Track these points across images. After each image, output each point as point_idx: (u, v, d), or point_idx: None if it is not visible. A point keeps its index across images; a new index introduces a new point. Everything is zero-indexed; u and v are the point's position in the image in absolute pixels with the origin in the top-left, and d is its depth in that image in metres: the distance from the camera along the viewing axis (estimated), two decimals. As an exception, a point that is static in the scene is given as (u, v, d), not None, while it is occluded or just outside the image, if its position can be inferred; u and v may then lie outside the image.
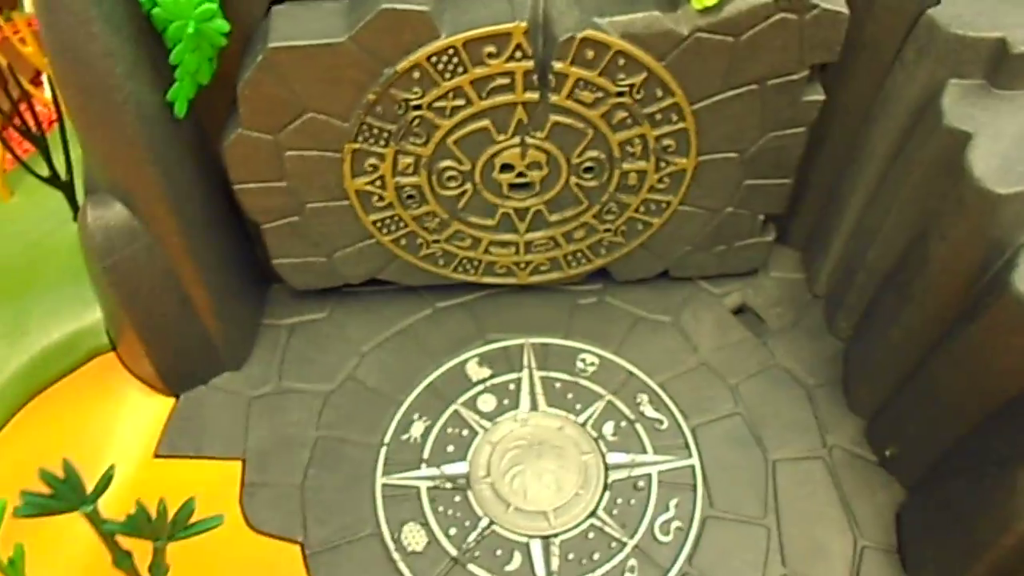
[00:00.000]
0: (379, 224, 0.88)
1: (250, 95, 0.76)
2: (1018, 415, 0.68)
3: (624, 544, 0.81)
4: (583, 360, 0.94)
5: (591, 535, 0.82)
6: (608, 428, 0.88)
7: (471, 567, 0.80)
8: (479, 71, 0.75)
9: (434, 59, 0.73)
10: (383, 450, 0.88)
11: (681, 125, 0.80)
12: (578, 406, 0.90)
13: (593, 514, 0.83)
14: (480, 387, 0.92)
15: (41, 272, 0.94)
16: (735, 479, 0.85)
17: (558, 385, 0.92)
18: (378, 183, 0.84)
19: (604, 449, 0.87)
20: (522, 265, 0.94)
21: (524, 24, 0.72)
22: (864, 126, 0.85)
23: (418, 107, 0.77)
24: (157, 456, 0.88)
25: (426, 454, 0.87)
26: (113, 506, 0.57)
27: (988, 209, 0.69)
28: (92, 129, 0.74)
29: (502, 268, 0.94)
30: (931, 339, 0.78)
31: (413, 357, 0.94)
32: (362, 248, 0.91)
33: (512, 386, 0.92)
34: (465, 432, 0.89)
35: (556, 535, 0.82)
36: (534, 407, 0.90)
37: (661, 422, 0.89)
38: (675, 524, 0.82)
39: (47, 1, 0.67)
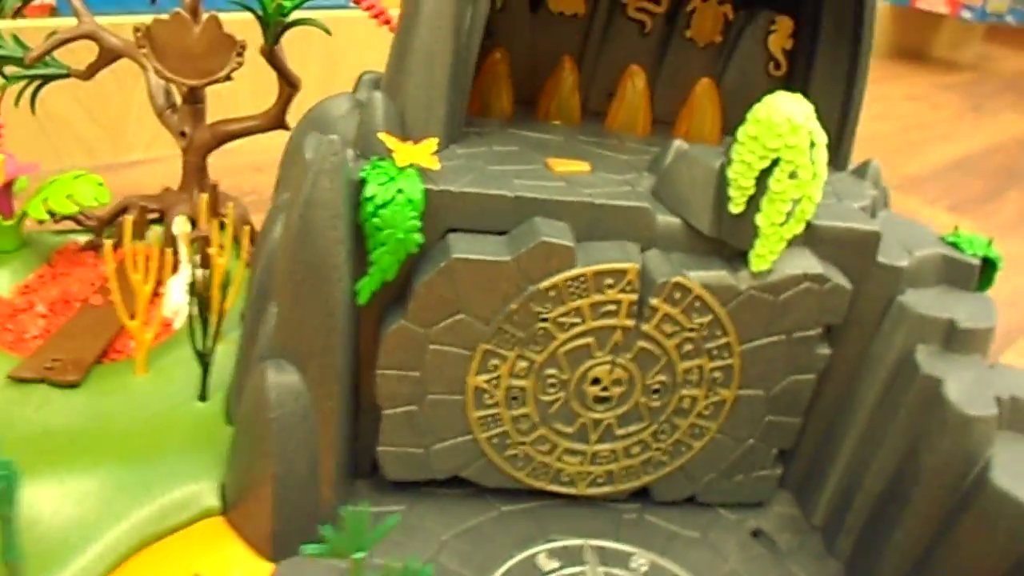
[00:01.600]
0: (481, 421, 1.05)
1: (424, 293, 0.97)
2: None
3: None
4: (635, 561, 1.08)
5: None
6: (667, 615, 1.01)
7: None
8: (597, 297, 1.00)
9: (569, 283, 0.99)
10: (472, 622, 0.96)
11: (730, 361, 1.07)
12: (638, 596, 1.03)
13: None
14: None
15: (165, 440, 1.04)
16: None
17: (618, 578, 1.05)
18: (494, 382, 1.03)
19: (667, 631, 0.99)
20: (583, 476, 1.12)
21: (638, 266, 0.99)
22: (853, 383, 1.14)
23: (545, 319, 1.00)
24: (259, 612, 0.93)
25: (512, 627, 0.96)
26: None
27: (963, 426, 0.97)
28: (302, 300, 0.93)
29: (567, 477, 1.11)
30: (929, 536, 0.99)
31: (488, 548, 1.06)
32: (458, 443, 1.07)
33: (579, 576, 1.05)
34: (544, 610, 0.99)
35: None
36: (601, 594, 1.02)
37: (711, 614, 1.02)
38: None
39: (310, 198, 0.90)
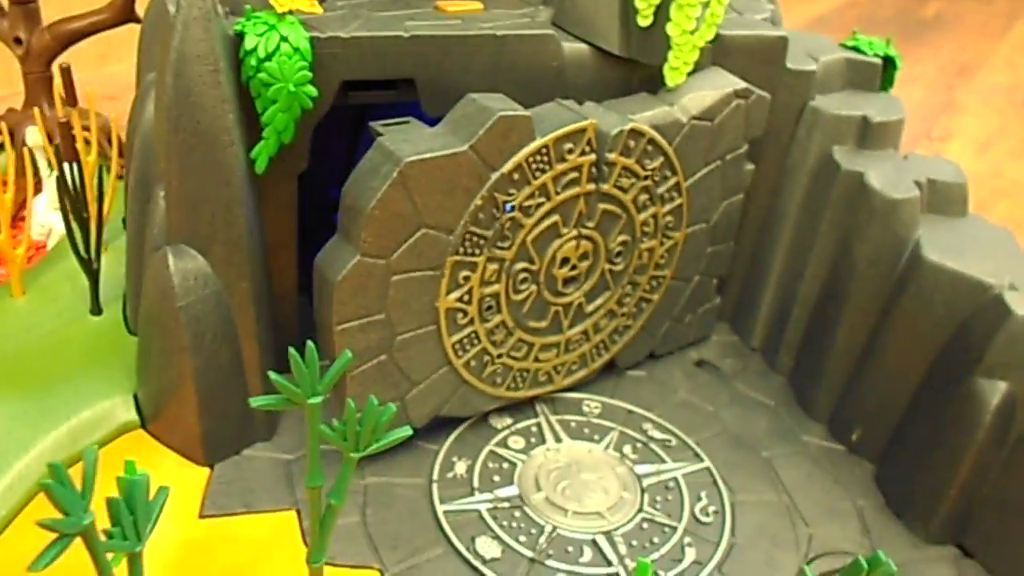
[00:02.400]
0: (457, 345, 0.93)
1: (380, 215, 0.81)
2: (962, 344, 0.90)
3: (675, 528, 0.90)
4: (587, 405, 1.06)
5: (645, 526, 0.90)
6: (628, 449, 0.99)
7: (549, 563, 0.84)
8: (560, 167, 0.89)
9: (531, 159, 0.87)
10: (434, 486, 0.92)
11: (679, 201, 1.02)
12: (596, 436, 1.01)
13: (640, 510, 0.91)
14: (506, 431, 1.00)
15: (59, 360, 0.94)
16: (745, 473, 0.98)
17: (573, 424, 1.02)
18: (466, 297, 0.90)
19: (631, 464, 0.97)
20: (560, 368, 1.04)
21: (595, 122, 0.90)
22: (774, 197, 1.13)
23: (511, 208, 0.88)
24: (203, 517, 0.86)
25: (476, 484, 0.92)
26: (164, 569, 0.59)
27: (891, 210, 0.97)
28: (192, 173, 0.83)
29: (544, 376, 1.03)
30: (869, 327, 1.00)
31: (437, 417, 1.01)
32: (435, 380, 0.94)
33: (535, 428, 1.01)
34: (505, 465, 0.95)
35: (616, 529, 0.89)
36: (558, 440, 0.99)
37: (669, 441, 1.01)
38: (711, 508, 0.92)
39: (181, 51, 0.79)
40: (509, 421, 1.02)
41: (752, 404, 1.09)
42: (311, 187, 1.37)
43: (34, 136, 1.17)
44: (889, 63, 1.17)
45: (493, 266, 0.90)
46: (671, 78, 0.98)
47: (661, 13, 0.94)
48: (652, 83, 1.01)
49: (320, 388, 0.59)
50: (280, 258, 1.00)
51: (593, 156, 0.92)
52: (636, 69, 1.01)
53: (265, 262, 0.96)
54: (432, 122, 0.92)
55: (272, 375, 0.59)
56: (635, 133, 0.93)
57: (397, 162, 0.81)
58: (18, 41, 1.28)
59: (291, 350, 0.57)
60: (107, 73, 1.94)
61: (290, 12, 0.86)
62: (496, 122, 0.84)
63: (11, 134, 1.30)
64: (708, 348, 1.19)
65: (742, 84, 1.01)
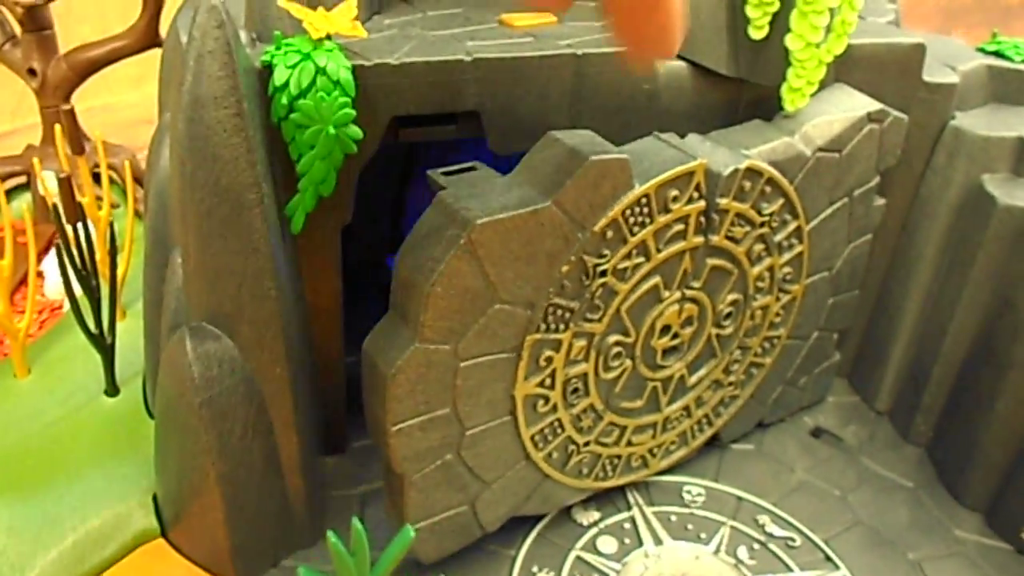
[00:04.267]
0: (537, 437, 0.77)
1: (443, 292, 0.64)
2: None
3: (814, 664, 0.72)
4: (688, 492, 0.88)
5: (775, 661, 0.72)
6: (743, 552, 0.82)
7: None
8: (662, 219, 0.73)
9: (627, 212, 0.71)
10: (512, 608, 0.76)
11: (799, 249, 0.83)
12: (702, 534, 0.83)
13: (767, 638, 0.74)
14: (594, 529, 0.83)
15: (66, 455, 0.79)
16: (891, 583, 0.80)
17: (674, 518, 0.85)
18: (548, 381, 0.74)
19: (748, 573, 0.79)
20: (654, 451, 0.87)
21: (706, 162, 0.73)
22: (906, 236, 0.94)
23: (603, 273, 0.72)
24: (235, 653, 0.71)
25: (562, 604, 0.76)
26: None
27: (1073, 261, 0.78)
28: (213, 238, 0.68)
29: (637, 460, 0.86)
30: (1042, 403, 0.81)
31: (509, 511, 0.85)
32: (510, 478, 0.77)
33: (628, 524, 0.84)
34: (596, 576, 0.79)
35: (739, 666, 0.72)
36: (658, 541, 0.82)
37: (792, 540, 0.83)
38: (855, 635, 0.75)
39: (195, 94, 0.64)
40: (596, 516, 0.85)
41: (886, 486, 0.91)
42: (354, 226, 1.22)
43: (52, 180, 1.04)
44: (1044, 70, 0.97)
45: (580, 342, 0.74)
46: (791, 101, 0.80)
47: (779, 23, 0.76)
48: (764, 106, 0.84)
49: None
50: (323, 324, 0.85)
51: (702, 203, 0.74)
52: (745, 90, 0.83)
53: (305, 333, 0.81)
54: (501, 163, 0.76)
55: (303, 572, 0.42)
56: (751, 172, 0.76)
57: (464, 225, 0.64)
58: (32, 72, 1.15)
59: (330, 535, 0.41)
60: (144, 94, 1.81)
61: (328, 37, 0.71)
62: (586, 168, 0.67)
63: (28, 177, 1.18)
64: (825, 412, 1.01)
65: (876, 105, 0.83)
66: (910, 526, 0.86)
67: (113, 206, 1.04)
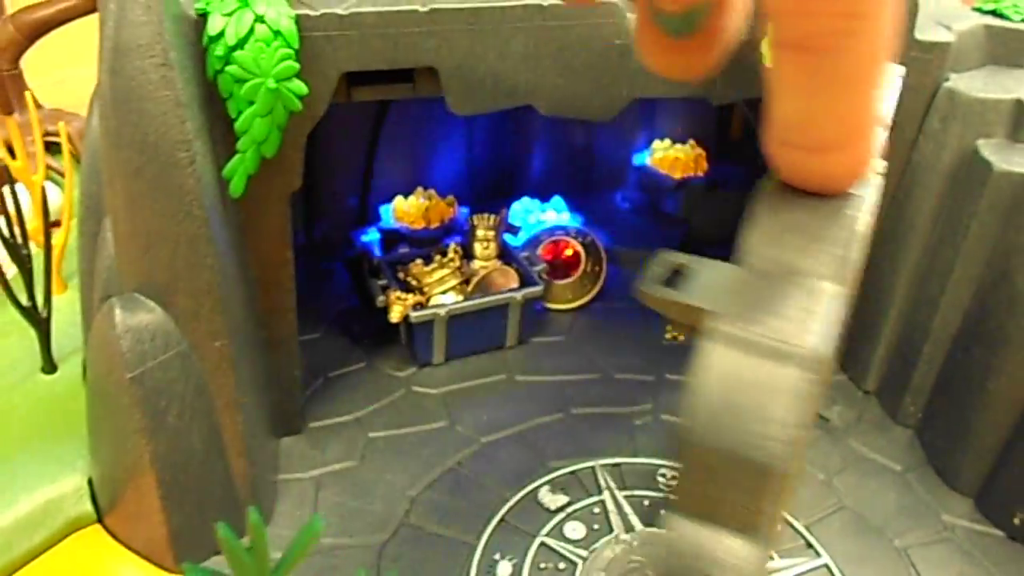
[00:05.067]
0: None
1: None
2: None
3: (791, 658, 0.67)
4: (663, 475, 0.83)
5: (749, 655, 0.68)
6: (719, 539, 0.77)
7: None
8: None
9: None
10: (470, 597, 0.71)
11: None
12: (677, 521, 0.78)
13: (742, 631, 0.69)
14: (562, 515, 0.79)
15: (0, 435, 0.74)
16: (875, 571, 0.75)
17: (647, 503, 0.80)
18: None
19: (724, 560, 0.75)
20: None
21: None
22: (895, 206, 0.89)
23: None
24: (170, 647, 0.66)
25: (524, 594, 0.71)
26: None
27: (1073, 229, 0.72)
28: (142, 201, 0.62)
29: None
30: (1037, 380, 0.76)
31: (472, 495, 0.80)
32: None
33: (597, 510, 0.79)
34: (562, 564, 0.74)
35: (711, 661, 0.67)
36: (629, 527, 0.77)
37: (772, 525, 0.78)
38: (836, 627, 0.70)
39: (116, 41, 0.59)
40: (564, 500, 0.80)
41: (873, 469, 0.86)
42: (320, 200, 1.17)
43: None
44: (1041, 30, 0.91)
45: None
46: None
47: (760, -30, 0.70)
48: (745, 65, 0.78)
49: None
50: (273, 297, 0.79)
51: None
52: (723, 46, 0.78)
53: (253, 307, 0.76)
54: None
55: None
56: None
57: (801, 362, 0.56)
58: (-22, 35, 1.09)
59: (220, 526, 0.36)
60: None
61: (269, -16, 0.65)
62: None
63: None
64: (809, 392, 0.96)
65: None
66: (897, 511, 0.81)
67: (60, 174, 0.98)
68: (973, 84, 0.84)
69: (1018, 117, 0.82)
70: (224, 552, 0.37)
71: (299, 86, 0.66)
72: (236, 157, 0.67)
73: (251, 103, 0.65)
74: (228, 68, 0.64)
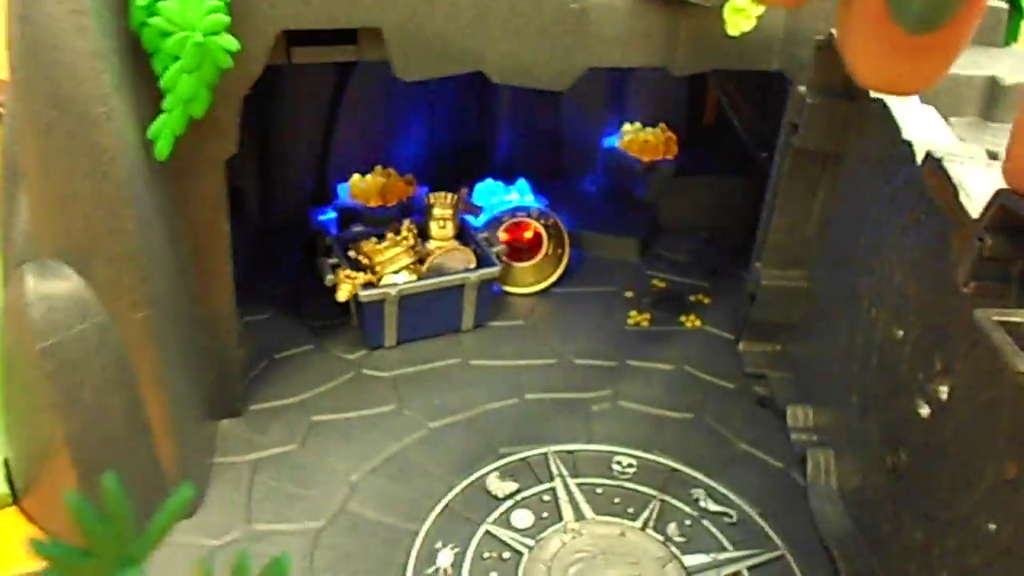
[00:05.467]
0: None
1: None
2: None
3: (743, 653, 0.64)
4: (618, 463, 0.80)
5: (699, 649, 0.64)
6: (672, 528, 0.73)
7: None
8: None
9: None
10: (408, 588, 0.67)
11: None
12: (630, 509, 0.75)
13: (693, 625, 0.66)
14: (510, 503, 0.75)
15: (-91, 410, 0.70)
16: (832, 563, 0.72)
17: (600, 491, 0.77)
18: None
19: (677, 551, 0.71)
20: None
21: None
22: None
23: None
24: (84, 638, 0.62)
25: (465, 584, 0.68)
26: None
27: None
28: (56, 160, 0.58)
29: None
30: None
31: (416, 481, 0.77)
32: None
33: (547, 497, 0.76)
34: (507, 554, 0.70)
35: (658, 655, 0.64)
36: (580, 516, 0.74)
37: (729, 515, 0.75)
38: (792, 621, 0.67)
39: (28, -14, 0.55)
40: (514, 487, 0.77)
41: (836, 459, 0.83)
42: (276, 178, 1.13)
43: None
44: (1016, 9, 0.89)
45: None
46: (734, 24, 0.71)
47: (721, -68, 0.67)
48: (706, 35, 0.75)
49: (136, 552, 0.34)
50: (210, 272, 0.75)
51: None
52: (683, 14, 0.74)
53: (185, 280, 0.72)
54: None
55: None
56: None
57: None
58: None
59: (70, 497, 0.32)
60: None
61: (198, -69, 0.61)
62: None
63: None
64: (767, 383, 0.93)
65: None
66: (859, 502, 0.78)
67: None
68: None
69: (991, 95, 0.79)
70: (74, 520, 0.33)
71: (230, 41, 0.62)
72: (161, 116, 0.63)
73: (177, 58, 0.61)
74: (152, 20, 0.60)
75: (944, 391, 0.60)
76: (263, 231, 1.13)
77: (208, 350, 0.78)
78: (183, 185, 0.70)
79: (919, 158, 0.63)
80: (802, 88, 0.81)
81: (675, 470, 0.80)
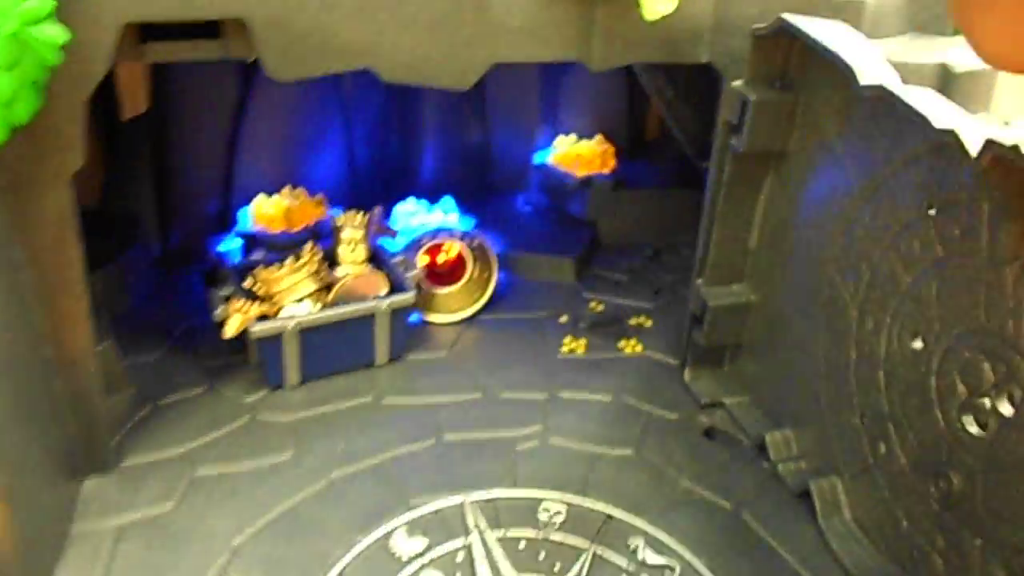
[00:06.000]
0: None
1: None
2: None
3: None
4: (545, 510, 0.70)
5: None
6: (606, 586, 0.64)
7: None
8: None
9: None
10: (289, 674, 0.56)
11: None
12: (557, 565, 0.65)
13: None
14: (416, 565, 0.65)
15: None
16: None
17: (523, 545, 0.67)
18: None
19: (610, 614, 0.62)
20: None
21: None
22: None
23: None
24: None
25: (358, 667, 0.57)
26: None
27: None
28: None
29: None
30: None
31: (310, 542, 0.66)
32: None
33: (462, 556, 0.66)
34: (410, 626, 0.60)
35: None
36: (498, 576, 0.64)
37: (672, 568, 0.66)
38: None
39: None
40: (423, 544, 0.66)
41: (793, 499, 0.74)
42: (176, 204, 1.02)
43: None
44: None
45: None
46: (649, 9, 0.63)
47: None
48: (623, 26, 0.67)
49: None
50: (60, 307, 0.65)
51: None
52: (598, 1, 0.66)
53: (27, 317, 0.62)
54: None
55: None
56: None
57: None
58: None
59: None
60: None
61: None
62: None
63: None
64: (720, 411, 0.84)
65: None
66: (820, 548, 0.69)
67: None
68: (893, 49, 0.73)
69: (943, 81, 0.72)
70: None
71: (55, 33, 0.53)
72: (-26, 122, 0.53)
73: (-12, 53, 0.52)
74: (-46, 7, 0.50)
75: (1005, 404, 0.53)
76: (162, 261, 1.03)
77: (66, 398, 0.67)
78: (20, 205, 0.60)
79: (971, 148, 0.55)
80: (736, 83, 0.74)
81: (610, 517, 0.70)
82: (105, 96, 1.00)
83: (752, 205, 0.79)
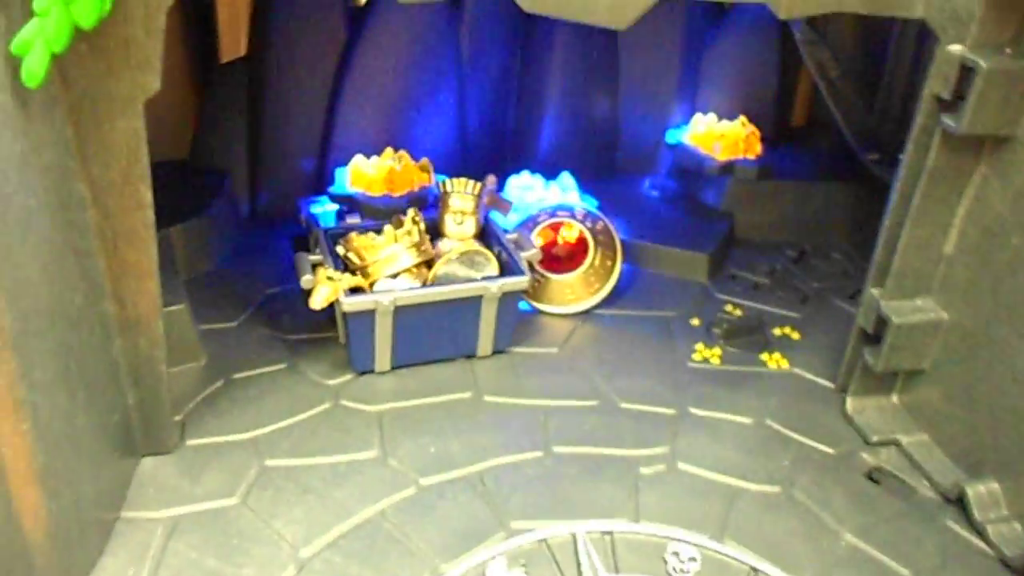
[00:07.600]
0: None
1: None
2: None
3: None
4: (676, 554, 0.57)
5: None
6: (752, 661, 0.51)
7: None
8: None
9: None
10: None
11: None
12: (689, 627, 0.52)
13: None
14: (510, 609, 0.53)
15: None
16: None
17: (645, 596, 0.54)
18: None
19: None
20: None
21: None
22: None
23: None
24: None
25: None
26: None
27: None
28: None
29: None
30: None
31: (391, 564, 0.55)
32: None
33: (568, 601, 0.54)
34: None
35: None
36: (614, 634, 0.52)
37: (834, 645, 0.52)
38: None
39: None
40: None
41: (985, 562, 0.59)
42: (268, 162, 0.92)
43: None
44: None
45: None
46: None
47: None
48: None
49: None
50: (125, 257, 0.55)
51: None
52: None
53: (82, 265, 0.52)
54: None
55: None
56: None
57: None
58: None
59: None
60: None
61: None
62: None
63: None
64: (887, 449, 0.69)
65: None
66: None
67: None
68: None
69: None
70: None
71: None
72: (31, 24, 0.43)
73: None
74: None
75: None
76: (249, 223, 0.94)
77: (126, 364, 0.58)
78: (86, 131, 0.51)
79: None
80: (954, 48, 0.59)
81: (755, 570, 0.57)
82: (203, 41, 0.92)
83: (953, 204, 0.64)
